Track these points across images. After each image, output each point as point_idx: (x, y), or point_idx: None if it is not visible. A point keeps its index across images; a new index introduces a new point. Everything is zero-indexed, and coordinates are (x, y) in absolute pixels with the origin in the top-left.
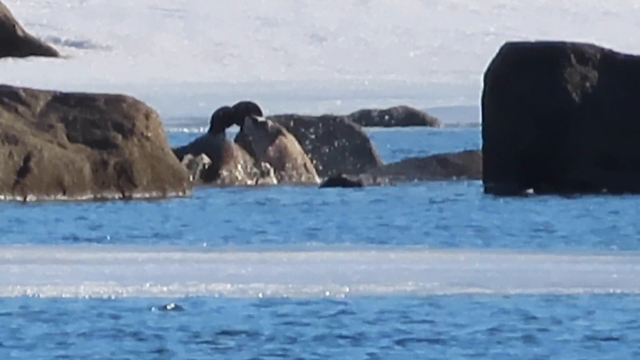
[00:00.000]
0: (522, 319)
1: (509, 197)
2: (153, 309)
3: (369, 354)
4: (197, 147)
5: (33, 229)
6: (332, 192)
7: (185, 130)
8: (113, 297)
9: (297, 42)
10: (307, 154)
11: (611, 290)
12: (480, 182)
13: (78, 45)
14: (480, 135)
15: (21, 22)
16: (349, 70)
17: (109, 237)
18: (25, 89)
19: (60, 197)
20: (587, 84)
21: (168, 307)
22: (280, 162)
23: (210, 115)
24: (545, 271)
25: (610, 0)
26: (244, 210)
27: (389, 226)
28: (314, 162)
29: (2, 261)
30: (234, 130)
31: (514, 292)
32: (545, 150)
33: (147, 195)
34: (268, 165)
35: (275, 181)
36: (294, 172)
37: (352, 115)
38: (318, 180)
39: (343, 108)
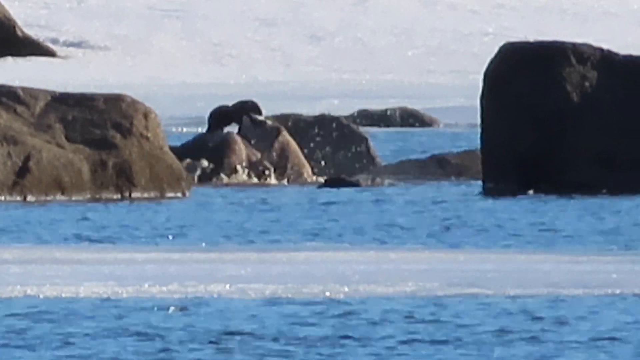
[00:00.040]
0: (524, 319)
1: (509, 198)
2: (171, 309)
3: (373, 355)
4: (198, 143)
5: (33, 229)
6: (331, 192)
7: (184, 129)
8: (113, 297)
9: (295, 42)
10: (306, 154)
11: (610, 291)
12: (479, 182)
13: (76, 45)
14: (479, 136)
15: (20, 22)
16: (347, 70)
17: (108, 237)
18: (24, 89)
19: (59, 197)
20: (586, 84)
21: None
22: (279, 162)
23: (207, 117)
24: (546, 271)
25: (609, 0)
26: (243, 210)
27: (389, 226)
28: (313, 162)
29: (2, 261)
30: (231, 129)
31: (513, 293)
32: (544, 150)
33: (145, 195)
34: (268, 165)
35: (274, 181)
36: (293, 172)
37: (351, 115)
38: (316, 180)
39: (341, 108)
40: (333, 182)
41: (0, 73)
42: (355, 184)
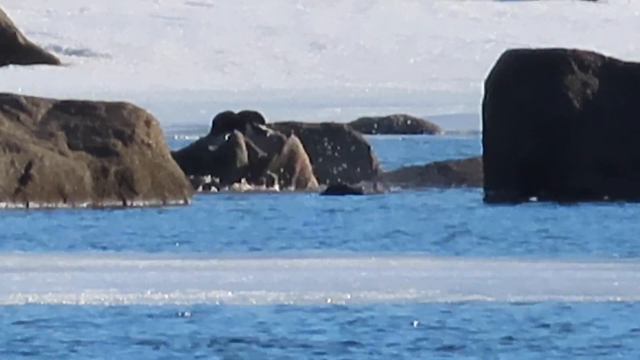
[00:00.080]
0: (528, 326)
1: (512, 205)
2: (186, 312)
3: None
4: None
5: (35, 237)
6: (334, 200)
7: (186, 137)
8: (115, 305)
9: (297, 50)
10: (308, 162)
11: (612, 298)
12: (481, 189)
13: (79, 53)
14: (480, 143)
15: (22, 30)
16: (349, 77)
17: (110, 245)
18: (26, 97)
19: (61, 205)
20: (588, 91)
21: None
22: (283, 169)
23: (211, 121)
24: (546, 279)
25: (610, 7)
26: (247, 217)
27: (394, 234)
28: (315, 169)
29: (4, 269)
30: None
31: (515, 300)
32: (545, 157)
33: (147, 203)
34: (273, 175)
35: (277, 188)
36: (296, 180)
37: (353, 122)
38: (318, 187)
39: (343, 116)
40: (335, 190)
41: (3, 81)
42: (358, 192)
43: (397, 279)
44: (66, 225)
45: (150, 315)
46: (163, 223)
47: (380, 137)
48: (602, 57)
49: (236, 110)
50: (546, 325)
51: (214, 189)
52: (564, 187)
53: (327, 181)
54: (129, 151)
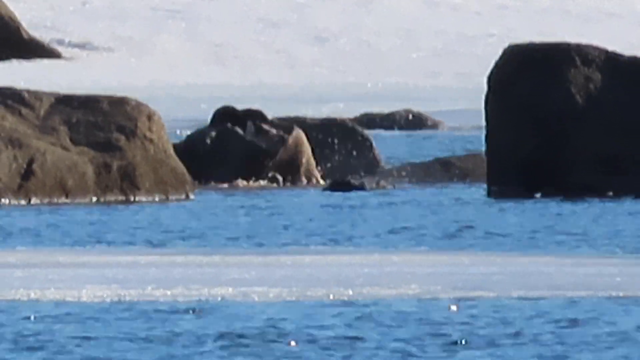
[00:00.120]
0: (534, 321)
1: (517, 200)
2: (191, 308)
3: (388, 357)
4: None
5: (39, 233)
6: (337, 196)
7: (188, 132)
8: (116, 301)
9: (299, 44)
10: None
11: (615, 294)
12: (484, 185)
13: (81, 47)
14: (483, 138)
15: (25, 23)
16: (352, 72)
17: (114, 240)
18: (28, 91)
19: (63, 200)
20: (591, 86)
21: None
22: (286, 165)
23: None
24: (550, 274)
25: (613, 1)
26: (251, 213)
27: (396, 230)
28: (317, 165)
29: (6, 265)
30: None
31: (517, 295)
32: (548, 152)
33: (150, 198)
34: (276, 172)
35: (280, 184)
36: (300, 175)
37: (355, 118)
38: (321, 183)
39: (346, 111)
40: (338, 186)
41: (5, 75)
42: (361, 187)
43: (400, 275)
44: (69, 220)
45: (155, 311)
46: (167, 218)
47: (383, 133)
48: (605, 51)
49: (238, 105)
50: (551, 321)
51: (214, 184)
52: (566, 183)
53: (330, 177)
54: (132, 146)
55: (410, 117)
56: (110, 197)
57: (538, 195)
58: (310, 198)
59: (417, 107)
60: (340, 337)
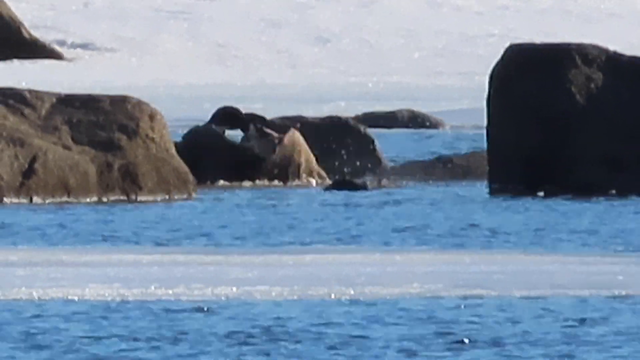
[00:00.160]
0: (534, 319)
1: (517, 199)
2: (196, 307)
3: (397, 357)
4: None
5: (40, 232)
6: (338, 195)
7: None
8: (119, 300)
9: (301, 44)
10: (312, 156)
11: (617, 292)
12: (486, 183)
13: (83, 47)
14: (484, 137)
15: (26, 24)
16: (353, 72)
17: (115, 240)
18: (30, 91)
19: (65, 199)
20: (592, 86)
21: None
22: (284, 166)
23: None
24: (553, 272)
25: (614, 1)
26: (255, 212)
27: (398, 228)
28: (319, 164)
29: (8, 263)
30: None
31: (519, 294)
32: (550, 151)
33: (152, 197)
34: (275, 170)
35: (282, 182)
36: (298, 176)
37: (357, 117)
38: (322, 182)
39: (347, 110)
40: (340, 185)
41: (7, 75)
42: (362, 187)
43: (401, 274)
44: (72, 220)
45: (160, 310)
46: (171, 218)
47: (384, 132)
48: (606, 51)
49: (239, 104)
50: (556, 319)
51: (214, 182)
52: (568, 182)
53: (332, 176)
54: (133, 145)
55: (412, 116)
56: (112, 197)
57: (541, 193)
58: (312, 197)
59: (419, 107)
60: (346, 335)
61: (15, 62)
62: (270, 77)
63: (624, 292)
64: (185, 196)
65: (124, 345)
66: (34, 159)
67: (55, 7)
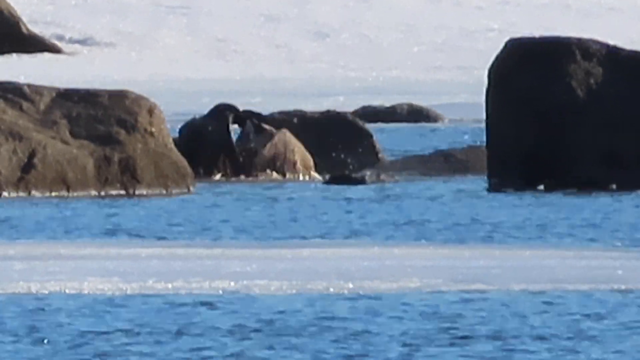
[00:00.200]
0: (535, 315)
1: (515, 193)
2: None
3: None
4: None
5: (41, 225)
6: (336, 190)
7: None
8: (117, 294)
9: (300, 39)
10: (311, 151)
11: (616, 287)
12: (485, 178)
13: (82, 42)
14: (484, 132)
15: (25, 19)
16: (353, 66)
17: (113, 234)
18: (29, 86)
19: (64, 193)
20: (592, 80)
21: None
22: (280, 161)
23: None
24: (551, 267)
25: None
26: (250, 207)
27: (398, 223)
28: (317, 158)
29: (6, 257)
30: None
31: (518, 288)
32: (549, 146)
33: (150, 191)
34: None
35: (277, 176)
36: (294, 171)
37: (355, 111)
38: (320, 177)
39: (346, 104)
40: (338, 179)
41: (6, 70)
42: (361, 181)
43: (400, 268)
44: (71, 214)
45: (162, 304)
46: (171, 211)
47: (383, 126)
48: (605, 45)
49: (238, 99)
50: (556, 314)
51: (213, 176)
52: (567, 177)
53: (330, 170)
54: (132, 139)
55: (411, 110)
56: (111, 191)
57: (541, 187)
58: (311, 192)
59: (418, 101)
60: (350, 329)
61: (14, 57)
62: (270, 72)
63: (623, 287)
64: (184, 190)
65: (127, 340)
66: (32, 153)
67: (54, 2)
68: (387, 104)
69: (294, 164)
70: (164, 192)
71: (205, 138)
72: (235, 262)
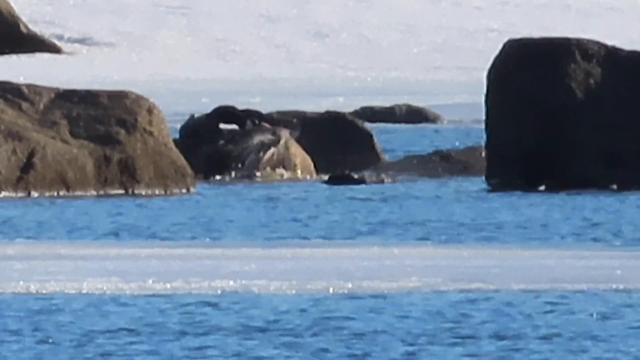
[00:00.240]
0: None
1: (516, 193)
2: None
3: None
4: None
5: (40, 225)
6: (336, 190)
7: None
8: (117, 294)
9: (300, 39)
10: (310, 151)
11: (615, 286)
12: (483, 178)
13: (81, 42)
14: (483, 132)
15: (25, 18)
16: (352, 66)
17: (113, 233)
18: (28, 86)
19: (63, 193)
20: (591, 81)
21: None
22: (280, 161)
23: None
24: (551, 267)
25: None
26: (251, 207)
27: (397, 223)
28: (317, 158)
29: (5, 257)
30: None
31: (518, 288)
32: (548, 146)
33: (150, 191)
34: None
35: (277, 176)
36: (294, 171)
37: (355, 111)
38: (320, 177)
39: (346, 105)
40: (338, 179)
41: (5, 70)
42: (360, 181)
43: (400, 268)
44: (71, 213)
45: (162, 304)
46: (172, 211)
47: (383, 126)
48: (605, 46)
49: (238, 99)
50: (558, 313)
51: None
52: (566, 177)
53: (330, 170)
54: (132, 139)
55: (411, 110)
56: (111, 191)
57: (542, 187)
58: (311, 192)
59: (417, 101)
60: (353, 329)
61: (14, 57)
62: (269, 72)
63: (623, 287)
64: (184, 190)
65: (131, 339)
66: (32, 153)
67: (53, 2)
68: (386, 104)
69: (294, 164)
70: (164, 192)
71: (202, 138)
72: (235, 262)
